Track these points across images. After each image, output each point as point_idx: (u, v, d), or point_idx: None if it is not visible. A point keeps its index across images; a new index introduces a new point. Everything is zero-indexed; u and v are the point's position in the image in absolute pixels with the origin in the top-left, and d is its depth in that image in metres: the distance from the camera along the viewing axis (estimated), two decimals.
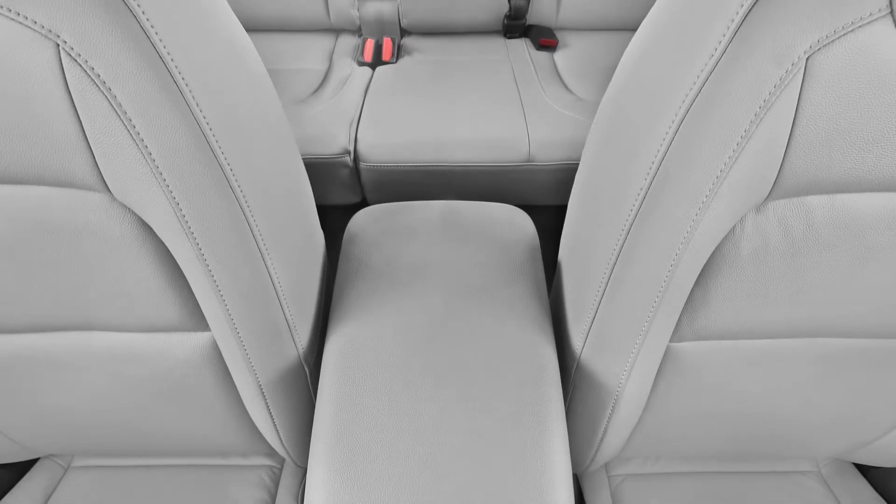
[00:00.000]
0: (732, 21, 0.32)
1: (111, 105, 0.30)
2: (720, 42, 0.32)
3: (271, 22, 1.18)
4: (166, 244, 0.38)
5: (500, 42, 1.18)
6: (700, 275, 0.42)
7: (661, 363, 0.49)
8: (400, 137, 0.92)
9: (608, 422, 0.56)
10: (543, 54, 1.13)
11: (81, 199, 0.36)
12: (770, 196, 0.37)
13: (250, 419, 0.57)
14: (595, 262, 0.47)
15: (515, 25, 1.17)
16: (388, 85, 1.03)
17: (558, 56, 1.12)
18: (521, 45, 1.16)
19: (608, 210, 0.44)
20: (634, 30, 0.43)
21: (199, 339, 0.47)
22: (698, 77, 0.33)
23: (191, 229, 0.36)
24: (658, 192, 0.38)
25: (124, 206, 0.36)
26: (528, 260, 0.63)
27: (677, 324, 0.45)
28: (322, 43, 1.17)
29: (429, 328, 0.54)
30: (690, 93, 0.34)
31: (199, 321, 0.45)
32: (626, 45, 0.43)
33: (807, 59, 0.31)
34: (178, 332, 0.46)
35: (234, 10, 0.42)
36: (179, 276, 0.41)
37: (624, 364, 0.48)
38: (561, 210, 0.59)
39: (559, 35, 1.17)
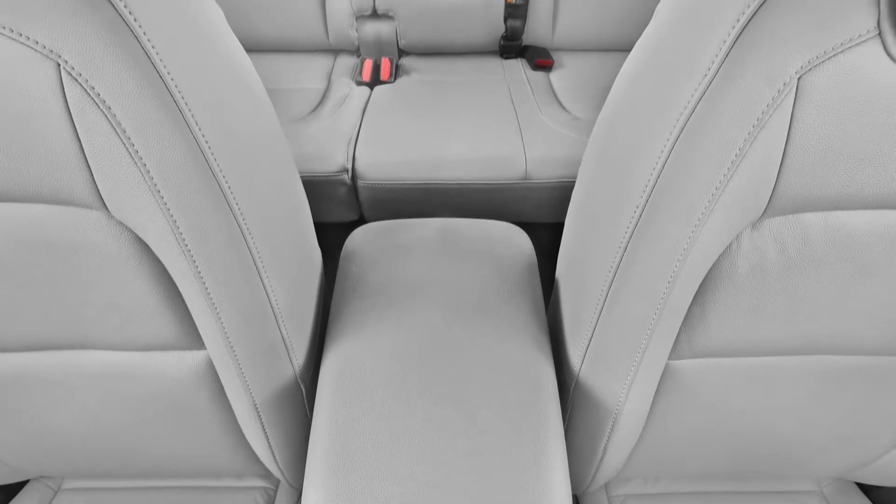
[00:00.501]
0: (724, 42, 0.32)
1: (110, 124, 0.31)
2: (713, 62, 0.33)
3: (271, 43, 1.20)
4: (163, 262, 0.38)
5: (496, 62, 1.19)
6: (697, 292, 0.42)
7: (660, 381, 0.49)
8: (398, 156, 0.92)
9: (608, 440, 0.55)
10: (539, 74, 1.15)
11: (78, 217, 0.36)
12: (765, 213, 0.37)
13: (245, 439, 0.56)
14: (592, 279, 0.47)
15: (511, 46, 1.19)
16: (385, 104, 1.04)
17: (554, 76, 1.14)
18: (518, 66, 1.18)
19: (605, 228, 0.44)
20: (628, 50, 0.43)
21: (194, 357, 0.46)
22: (692, 96, 0.34)
23: (188, 247, 0.36)
24: (654, 210, 0.38)
25: (121, 223, 0.36)
26: (525, 277, 0.63)
27: (675, 341, 0.45)
28: (321, 63, 1.19)
29: (426, 346, 0.54)
30: (685, 112, 0.34)
31: (194, 339, 0.44)
32: (620, 66, 0.44)
33: (798, 78, 0.31)
34: (174, 351, 0.46)
35: (234, 31, 0.43)
36: (175, 294, 0.41)
37: (623, 382, 0.48)
38: (558, 227, 0.60)
39: (555, 55, 1.19)
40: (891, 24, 0.30)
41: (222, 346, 0.43)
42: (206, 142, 0.35)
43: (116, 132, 0.31)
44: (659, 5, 0.40)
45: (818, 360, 0.48)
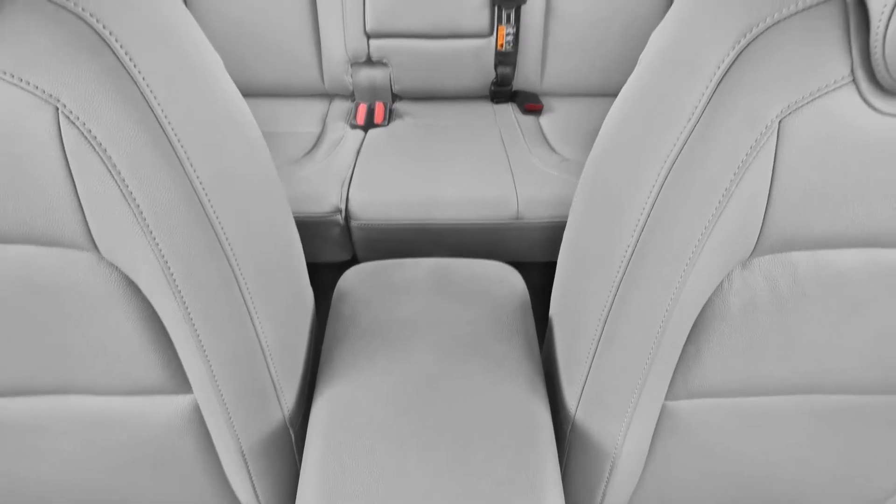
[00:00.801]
0: (707, 88, 0.33)
1: (106, 166, 0.31)
2: (696, 108, 0.34)
3: (268, 88, 1.23)
4: (152, 303, 0.38)
5: (487, 107, 1.23)
6: (692, 331, 0.42)
7: (657, 422, 0.48)
8: (391, 196, 0.93)
9: (606, 485, 0.53)
10: (529, 118, 1.18)
11: (68, 258, 0.35)
12: (754, 252, 0.38)
13: (230, 488, 0.54)
14: (586, 319, 0.47)
15: (502, 91, 1.23)
16: (379, 146, 1.06)
17: (544, 120, 1.17)
18: (508, 110, 1.21)
19: (597, 268, 0.44)
20: (615, 95, 0.45)
21: (180, 402, 0.45)
22: (678, 139, 0.35)
23: (179, 288, 0.36)
24: (644, 250, 0.38)
25: (111, 264, 0.36)
26: (519, 317, 0.62)
27: (671, 381, 0.45)
28: (316, 107, 1.21)
29: (420, 387, 0.53)
30: (670, 156, 0.35)
31: (181, 383, 0.43)
32: (607, 110, 0.46)
33: (779, 122, 0.32)
34: (159, 395, 0.45)
35: (233, 77, 0.44)
36: (163, 336, 0.40)
37: (620, 423, 0.47)
38: (550, 267, 0.60)
39: (544, 100, 1.22)
40: (864, 72, 0.31)
41: (209, 390, 0.42)
42: (202, 184, 0.35)
43: (111, 174, 0.31)
44: (643, 53, 0.41)
45: (813, 399, 0.47)
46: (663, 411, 0.47)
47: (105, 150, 0.31)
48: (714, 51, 0.33)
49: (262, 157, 0.45)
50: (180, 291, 0.36)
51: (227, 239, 0.37)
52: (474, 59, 1.19)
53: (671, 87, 0.36)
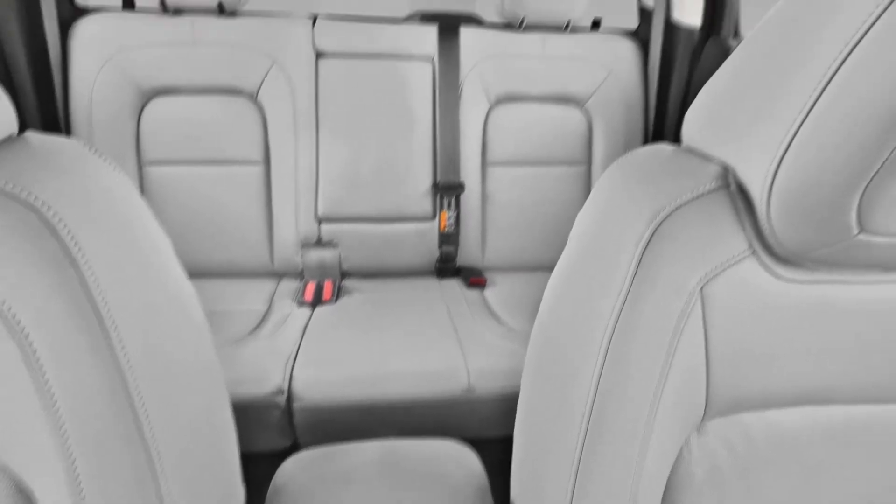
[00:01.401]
0: (631, 263, 0.37)
1: (24, 352, 0.29)
2: (625, 281, 0.37)
3: (218, 268, 1.24)
4: None
5: (433, 282, 1.28)
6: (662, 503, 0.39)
7: None
8: (337, 374, 0.90)
9: None
10: (475, 292, 1.23)
11: None
12: (706, 416, 0.38)
13: None
14: (550, 500, 0.43)
15: (446, 268, 1.30)
16: (326, 323, 1.05)
17: (488, 293, 1.22)
18: (454, 284, 1.26)
19: (554, 445, 0.42)
20: (552, 268, 0.48)
21: None
22: (612, 314, 0.37)
23: (80, 486, 0.31)
24: (599, 424, 0.38)
25: (5, 466, 0.31)
26: (476, 502, 0.57)
27: None
28: (264, 286, 1.22)
29: None
30: (608, 330, 0.37)
31: None
32: (547, 282, 0.49)
33: (700, 289, 0.35)
34: None
35: (183, 258, 0.44)
36: None
37: None
38: (507, 442, 0.57)
39: (487, 274, 1.29)
40: (760, 245, 0.36)
41: None
42: (132, 371, 0.33)
43: (28, 359, 0.29)
44: (572, 232, 0.46)
45: None
46: None
47: (27, 336, 0.29)
48: (633, 229, 0.37)
49: (203, 341, 0.44)
50: (82, 490, 0.31)
51: (150, 429, 0.34)
52: (419, 240, 1.28)
53: (599, 262, 0.40)
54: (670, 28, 1.28)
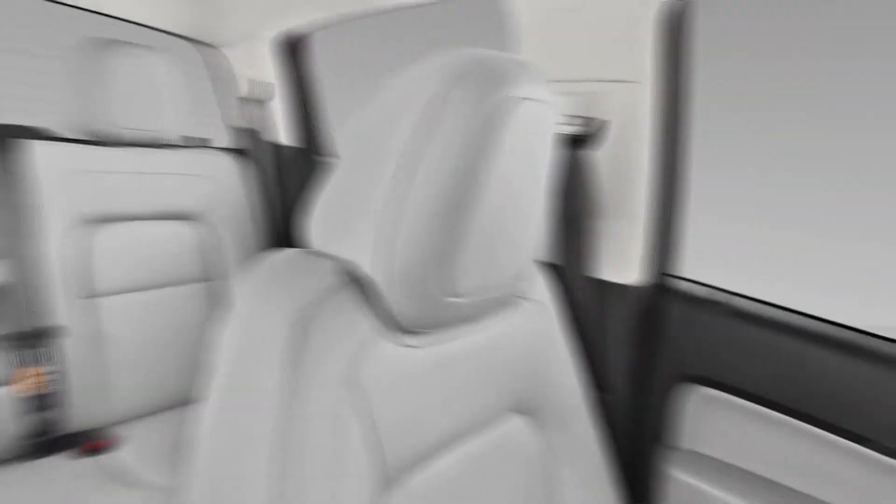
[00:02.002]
0: (284, 365, 0.35)
1: None
2: (281, 385, 0.35)
3: None
4: None
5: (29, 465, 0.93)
6: None
7: None
8: None
9: None
10: (91, 460, 0.95)
11: None
12: (390, 482, 0.39)
13: None
14: None
15: (45, 442, 0.97)
16: None
17: (121, 453, 0.97)
18: (59, 463, 0.95)
19: None
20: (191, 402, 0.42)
21: None
22: (272, 422, 0.35)
23: None
24: None
25: None
26: None
27: None
28: None
29: None
30: (271, 437, 0.35)
31: None
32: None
33: (351, 374, 0.37)
34: None
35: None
36: None
37: None
38: None
39: (115, 430, 1.03)
40: (388, 324, 0.41)
41: None
42: None
43: None
44: (217, 352, 0.41)
45: None
46: None
47: None
48: (277, 333, 0.37)
49: None
50: None
51: None
52: None
53: (254, 376, 0.37)
54: (272, 147, 1.39)
